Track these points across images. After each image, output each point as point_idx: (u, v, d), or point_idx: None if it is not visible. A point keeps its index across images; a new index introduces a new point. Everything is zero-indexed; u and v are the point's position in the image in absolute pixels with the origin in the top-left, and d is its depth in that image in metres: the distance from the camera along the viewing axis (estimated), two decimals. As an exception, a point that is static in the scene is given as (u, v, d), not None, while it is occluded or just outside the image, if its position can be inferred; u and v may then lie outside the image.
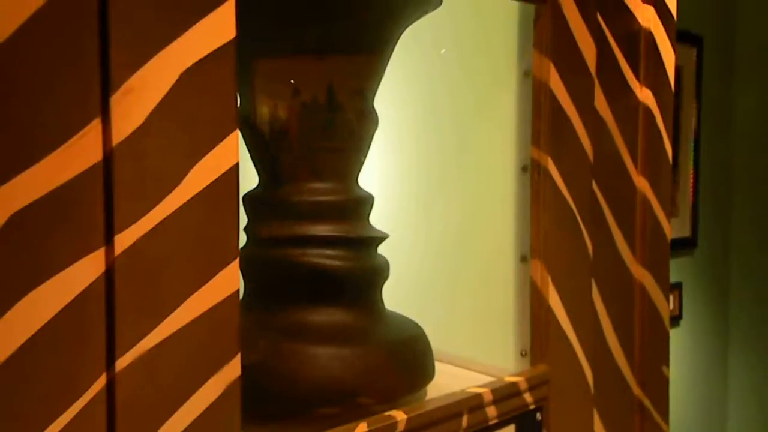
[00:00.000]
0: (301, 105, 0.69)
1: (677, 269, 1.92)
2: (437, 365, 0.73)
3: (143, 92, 0.42)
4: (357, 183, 0.73)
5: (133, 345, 0.42)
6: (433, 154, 0.85)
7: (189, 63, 0.43)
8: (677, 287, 1.92)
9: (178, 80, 0.43)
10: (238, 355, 0.46)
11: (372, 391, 0.64)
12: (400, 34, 0.72)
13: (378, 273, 0.71)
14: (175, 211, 0.43)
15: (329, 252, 0.69)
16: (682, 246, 1.93)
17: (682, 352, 1.95)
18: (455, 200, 0.82)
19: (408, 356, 0.69)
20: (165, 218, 0.43)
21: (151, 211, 0.42)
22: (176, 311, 0.43)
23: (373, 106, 0.72)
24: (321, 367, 0.64)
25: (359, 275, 0.70)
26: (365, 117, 0.72)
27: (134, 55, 0.41)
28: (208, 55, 0.44)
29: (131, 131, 0.41)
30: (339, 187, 0.71)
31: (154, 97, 0.42)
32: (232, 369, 0.46)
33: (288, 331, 0.65)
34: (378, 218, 0.75)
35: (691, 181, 1.94)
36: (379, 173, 0.89)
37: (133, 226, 0.41)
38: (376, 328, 0.69)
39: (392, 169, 0.89)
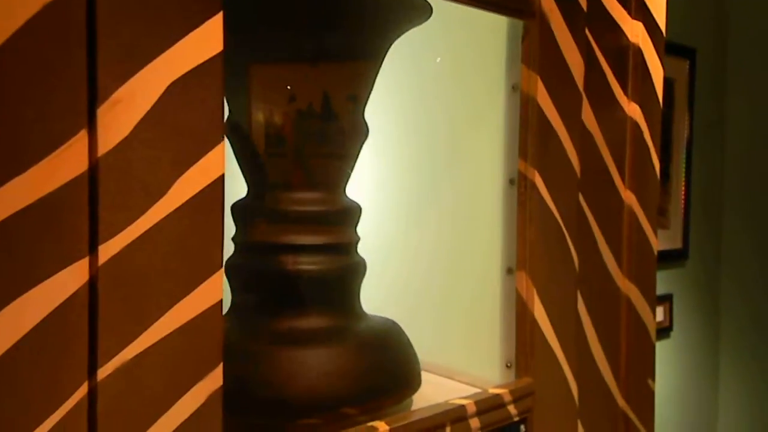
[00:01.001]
0: (294, 112, 0.69)
1: (668, 281, 1.92)
2: (424, 375, 0.73)
3: (130, 104, 0.42)
4: (345, 193, 0.73)
5: (116, 354, 0.42)
6: (422, 166, 0.86)
7: (176, 75, 0.44)
8: (668, 299, 1.92)
9: (165, 92, 0.43)
10: (221, 365, 0.46)
11: (360, 397, 0.64)
12: (390, 45, 0.73)
13: (361, 273, 0.72)
14: (159, 222, 0.43)
15: (316, 259, 0.69)
16: (673, 257, 1.93)
17: (673, 364, 1.96)
18: (444, 212, 0.83)
19: (394, 359, 0.69)
20: (149, 228, 0.43)
21: (136, 222, 0.42)
22: (159, 321, 0.43)
23: (363, 117, 0.73)
24: (307, 375, 0.64)
25: (344, 280, 0.71)
26: (355, 126, 0.72)
27: (122, 67, 0.42)
28: (195, 68, 0.45)
29: (117, 142, 0.42)
30: (327, 197, 0.71)
31: (141, 108, 0.43)
32: (215, 378, 0.46)
33: (273, 340, 0.66)
34: (367, 229, 0.76)
35: (683, 193, 1.95)
36: (368, 184, 0.89)
37: (117, 236, 0.42)
38: (359, 332, 0.70)
39: (382, 181, 0.90)
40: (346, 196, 0.73)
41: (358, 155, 0.73)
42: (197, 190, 0.45)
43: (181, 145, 0.44)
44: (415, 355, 0.72)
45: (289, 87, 0.69)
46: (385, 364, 0.69)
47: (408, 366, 0.71)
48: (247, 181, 0.72)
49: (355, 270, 0.73)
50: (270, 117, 0.70)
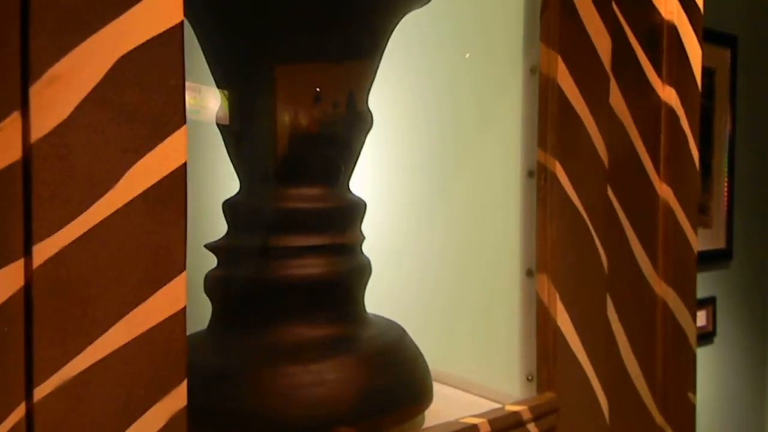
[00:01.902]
0: (298, 103, 0.64)
1: (711, 282, 1.83)
2: (437, 387, 0.67)
3: (71, 81, 0.36)
4: (348, 188, 0.67)
5: (56, 370, 0.36)
6: (432, 157, 0.79)
7: (127, 48, 0.38)
8: (711, 302, 1.83)
9: (112, 68, 0.38)
10: (184, 382, 0.40)
11: (365, 415, 0.58)
12: (392, 30, 0.67)
13: (366, 275, 0.67)
14: (107, 218, 0.38)
15: (318, 261, 0.63)
16: (716, 258, 1.84)
17: (716, 372, 1.86)
18: (456, 207, 0.76)
19: (404, 371, 0.63)
20: (95, 225, 0.37)
21: (79, 218, 0.37)
22: (108, 332, 0.38)
23: (367, 104, 0.67)
24: (305, 392, 0.58)
25: (347, 283, 0.65)
26: (360, 115, 0.66)
27: (60, 37, 0.36)
28: (150, 40, 0.39)
29: (55, 125, 0.36)
30: (330, 192, 0.65)
31: (84, 86, 0.37)
32: (177, 398, 0.40)
33: (265, 354, 0.60)
34: (374, 228, 0.70)
35: (726, 189, 1.85)
36: (374, 179, 0.83)
37: (56, 234, 0.36)
38: (364, 342, 0.63)
39: (389, 175, 0.84)
40: (350, 192, 0.67)
41: (362, 147, 0.67)
42: (154, 181, 0.39)
43: (134, 130, 0.38)
44: (426, 366, 0.66)
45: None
46: (394, 378, 0.62)
47: (418, 379, 0.64)
48: (239, 177, 0.66)
49: (360, 272, 0.67)
50: (272, 108, 0.65)
